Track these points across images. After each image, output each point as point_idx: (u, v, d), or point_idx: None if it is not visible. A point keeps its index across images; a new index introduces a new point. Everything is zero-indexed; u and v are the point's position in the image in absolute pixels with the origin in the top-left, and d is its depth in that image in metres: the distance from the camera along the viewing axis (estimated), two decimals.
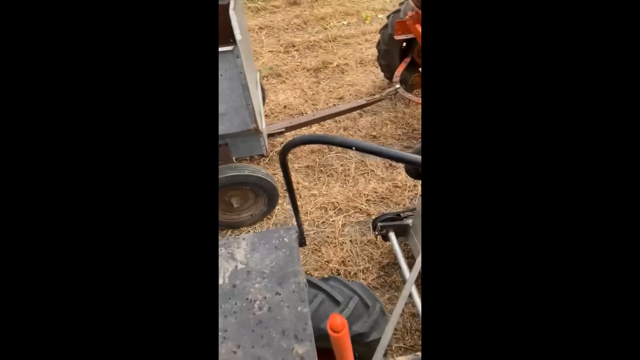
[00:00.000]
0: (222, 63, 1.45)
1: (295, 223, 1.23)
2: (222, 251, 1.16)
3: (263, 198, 2.16)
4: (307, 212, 2.50)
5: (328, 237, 2.41)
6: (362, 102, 2.87)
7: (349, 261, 2.30)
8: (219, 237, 2.28)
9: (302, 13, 4.55)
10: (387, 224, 1.97)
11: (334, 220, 2.49)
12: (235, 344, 0.97)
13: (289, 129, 2.58)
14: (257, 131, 1.79)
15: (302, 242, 1.21)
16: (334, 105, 3.23)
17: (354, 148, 0.81)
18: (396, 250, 1.93)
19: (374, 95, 3.09)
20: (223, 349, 0.96)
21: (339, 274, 2.22)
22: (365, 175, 2.78)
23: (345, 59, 3.78)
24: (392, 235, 1.98)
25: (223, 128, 1.69)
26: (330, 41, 4.07)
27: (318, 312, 1.19)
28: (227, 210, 2.18)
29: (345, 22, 4.33)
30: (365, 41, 4.01)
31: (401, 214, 2.02)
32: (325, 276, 2.09)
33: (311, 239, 2.36)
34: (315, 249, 2.35)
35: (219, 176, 1.85)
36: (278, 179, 2.39)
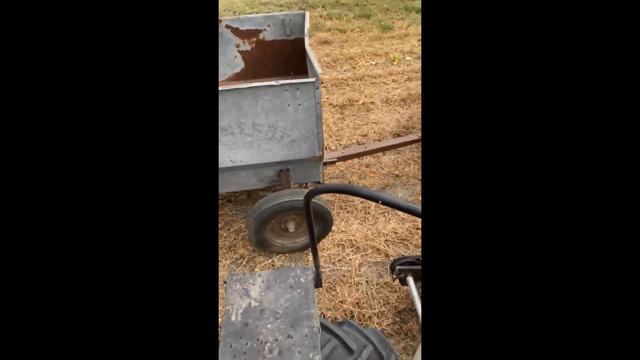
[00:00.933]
0: (301, 93, 1.54)
1: (313, 264, 1.20)
2: (237, 286, 1.14)
3: (318, 224, 2.16)
4: (324, 248, 2.46)
5: (344, 275, 2.35)
6: (414, 137, 2.81)
7: (363, 303, 2.21)
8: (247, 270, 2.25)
9: (332, 52, 4.72)
10: (406, 268, 1.90)
11: (350, 259, 2.43)
12: None
13: (341, 158, 2.60)
14: (320, 159, 1.83)
15: (318, 284, 1.18)
16: (378, 140, 3.24)
17: (380, 202, 0.81)
18: (414, 296, 1.85)
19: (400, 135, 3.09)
20: None
21: (353, 317, 2.14)
22: (386, 214, 2.73)
23: (371, 97, 3.85)
24: (410, 279, 1.90)
25: (291, 154, 1.75)
26: (357, 80, 4.17)
27: (330, 358, 1.13)
28: (282, 234, 2.18)
29: (373, 63, 4.45)
30: (392, 81, 4.08)
31: (421, 259, 1.95)
32: (339, 319, 2.00)
33: (326, 276, 2.31)
34: (330, 288, 2.29)
35: (278, 201, 1.88)
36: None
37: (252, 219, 1.96)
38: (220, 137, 1.64)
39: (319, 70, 1.56)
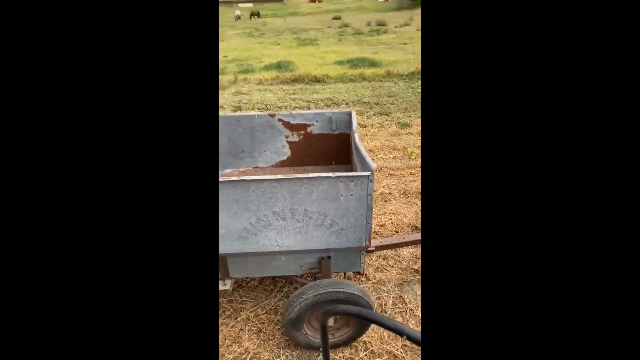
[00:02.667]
0: (355, 185, 1.60)
1: None
2: None
3: (357, 320, 2.03)
4: (336, 349, 2.28)
5: None
6: None
7: None
8: None
9: None
10: None
11: None
12: None
13: (379, 248, 2.58)
14: (365, 249, 1.83)
15: None
16: (396, 232, 3.24)
17: (404, 337, 0.73)
18: None
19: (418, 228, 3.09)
20: None
21: None
22: (404, 314, 2.60)
23: (389, 188, 3.95)
24: None
25: (338, 242, 1.75)
26: (376, 171, 4.35)
27: None
28: (318, 328, 2.06)
29: (391, 156, 4.66)
30: (410, 174, 4.19)
31: None
32: None
33: None
34: None
35: (320, 291, 1.81)
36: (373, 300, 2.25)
37: (295, 304, 1.87)
38: (271, 222, 1.68)
39: (372, 165, 1.66)
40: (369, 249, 2.51)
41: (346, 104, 6.45)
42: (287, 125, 2.60)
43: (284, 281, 2.62)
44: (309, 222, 1.69)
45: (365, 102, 6.48)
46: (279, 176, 1.58)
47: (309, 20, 24.46)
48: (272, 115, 2.59)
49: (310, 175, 1.59)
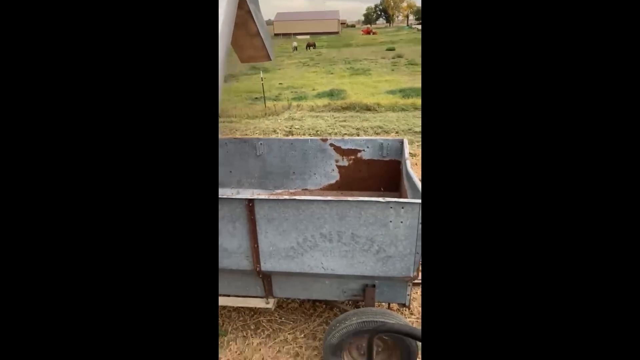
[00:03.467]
0: (405, 212, 1.59)
1: None
2: None
3: (400, 352, 1.95)
4: None
5: None
6: None
7: None
8: None
9: None
10: None
11: None
12: None
13: None
14: (412, 280, 1.78)
15: None
16: None
17: None
18: None
19: None
20: None
21: None
22: None
23: None
24: None
25: (384, 270, 1.72)
26: None
27: None
28: (359, 357, 2.01)
29: None
30: None
31: None
32: None
33: None
34: None
35: (364, 319, 1.78)
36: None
37: (337, 329, 1.84)
38: (318, 243, 1.69)
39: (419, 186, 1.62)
40: (416, 280, 2.40)
41: (396, 132, 6.43)
42: (338, 150, 2.65)
43: (324, 306, 2.58)
44: (356, 246, 1.67)
45: (416, 132, 6.41)
46: (328, 198, 1.61)
47: (363, 51, 25.12)
48: (325, 140, 2.65)
49: (360, 198, 1.59)
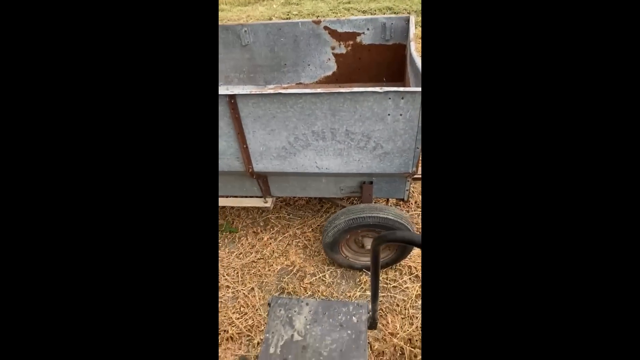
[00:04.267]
0: (405, 103, 1.40)
1: (370, 303, 1.06)
2: (280, 312, 1.03)
3: (397, 244, 2.03)
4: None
5: (397, 305, 2.18)
6: None
7: (416, 341, 2.03)
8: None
9: None
10: None
11: (407, 287, 2.25)
12: None
13: None
14: (411, 176, 1.71)
15: (373, 325, 1.04)
16: None
17: None
18: None
19: None
20: None
21: (403, 354, 1.96)
22: None
23: None
24: None
25: (381, 166, 1.62)
26: None
27: None
28: (357, 250, 2.09)
29: None
30: None
31: None
32: (387, 354, 1.83)
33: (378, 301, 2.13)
34: (381, 315, 2.13)
35: (352, 216, 1.77)
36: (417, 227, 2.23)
37: (329, 230, 1.86)
38: (310, 141, 1.56)
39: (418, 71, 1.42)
40: (416, 176, 2.36)
41: (408, 13, 5.70)
42: (333, 34, 2.31)
43: (330, 203, 2.62)
44: (351, 143, 1.55)
45: None
46: (318, 90, 1.42)
47: None
48: (317, 22, 2.30)
49: (354, 89, 1.40)
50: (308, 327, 0.98)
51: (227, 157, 1.71)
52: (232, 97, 1.46)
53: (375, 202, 1.96)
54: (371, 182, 1.80)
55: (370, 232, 1.96)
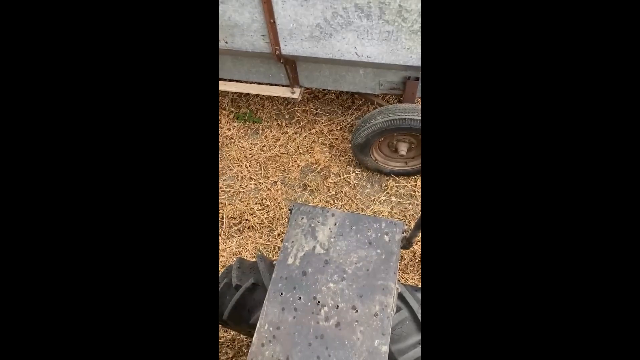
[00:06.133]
0: None
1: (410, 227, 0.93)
2: (302, 220, 0.91)
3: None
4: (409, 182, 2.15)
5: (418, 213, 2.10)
6: None
7: None
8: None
9: None
10: None
11: None
12: (284, 353, 0.75)
13: None
14: None
15: (406, 245, 0.94)
16: None
17: None
18: None
19: None
20: (268, 351, 0.76)
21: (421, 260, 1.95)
22: None
23: None
24: None
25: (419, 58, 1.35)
26: None
27: (395, 331, 0.90)
28: (389, 155, 1.94)
29: None
30: None
31: None
32: (415, 283, 1.81)
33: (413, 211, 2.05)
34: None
35: (400, 116, 1.56)
36: None
37: (362, 130, 1.67)
38: (351, 19, 1.25)
39: None
40: None
41: None
42: None
43: (363, 100, 2.36)
44: (402, 25, 1.23)
45: None
46: None
47: None
48: None
49: None
50: (332, 240, 0.88)
51: (251, 33, 1.44)
52: None
53: (417, 103, 1.71)
54: (417, 78, 1.52)
55: (408, 136, 1.76)
